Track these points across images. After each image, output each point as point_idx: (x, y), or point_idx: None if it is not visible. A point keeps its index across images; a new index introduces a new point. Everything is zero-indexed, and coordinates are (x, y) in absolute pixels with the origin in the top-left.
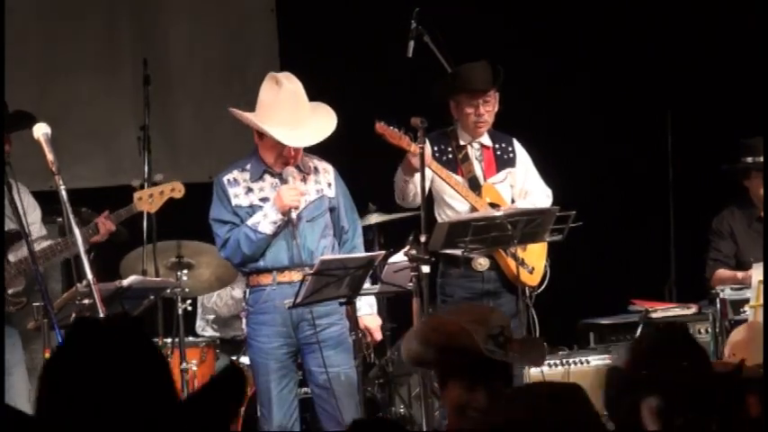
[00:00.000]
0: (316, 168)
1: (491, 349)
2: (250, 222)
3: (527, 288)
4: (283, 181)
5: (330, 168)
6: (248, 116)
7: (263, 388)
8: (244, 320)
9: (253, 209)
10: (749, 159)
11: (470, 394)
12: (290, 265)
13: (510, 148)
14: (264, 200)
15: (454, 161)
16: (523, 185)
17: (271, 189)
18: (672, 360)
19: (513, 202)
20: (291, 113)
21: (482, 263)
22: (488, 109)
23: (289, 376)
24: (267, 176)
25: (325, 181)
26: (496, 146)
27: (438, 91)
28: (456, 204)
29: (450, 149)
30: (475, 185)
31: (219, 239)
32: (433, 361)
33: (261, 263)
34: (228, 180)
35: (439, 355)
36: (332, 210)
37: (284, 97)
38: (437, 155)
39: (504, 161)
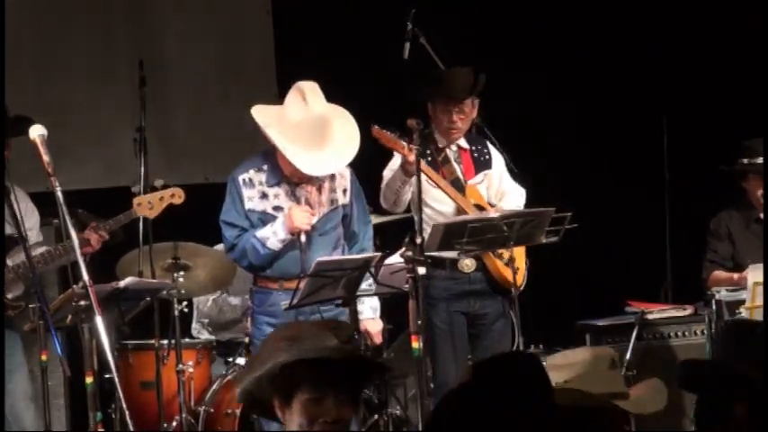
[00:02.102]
0: (332, 175)
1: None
2: (259, 235)
3: (513, 288)
4: (297, 196)
5: (347, 173)
6: (271, 133)
7: None
8: (249, 320)
9: (265, 216)
10: (745, 161)
11: (318, 406)
12: (297, 275)
13: (485, 150)
14: (278, 209)
15: (434, 163)
16: (500, 186)
17: (285, 198)
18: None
19: (489, 203)
20: (314, 137)
21: (468, 264)
22: (462, 117)
23: None
24: (284, 184)
25: (341, 188)
26: (473, 148)
27: (417, 92)
28: (438, 206)
29: (429, 152)
30: (459, 187)
31: (228, 242)
32: (274, 386)
33: (269, 272)
34: (244, 180)
35: (283, 369)
36: (345, 217)
37: (310, 119)
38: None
39: (481, 163)
